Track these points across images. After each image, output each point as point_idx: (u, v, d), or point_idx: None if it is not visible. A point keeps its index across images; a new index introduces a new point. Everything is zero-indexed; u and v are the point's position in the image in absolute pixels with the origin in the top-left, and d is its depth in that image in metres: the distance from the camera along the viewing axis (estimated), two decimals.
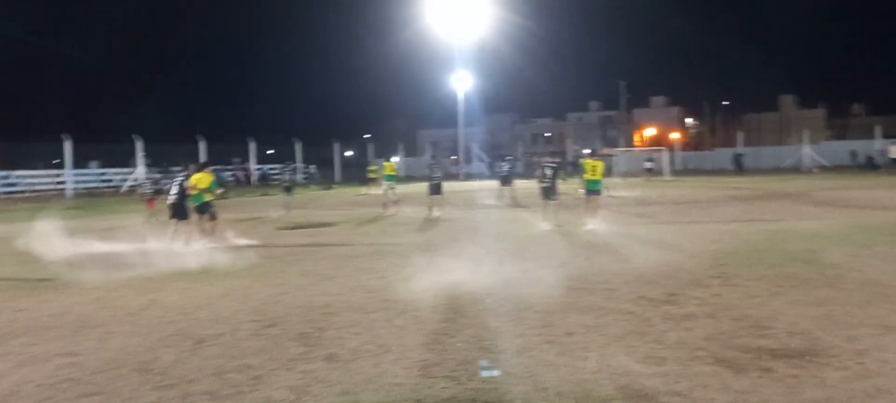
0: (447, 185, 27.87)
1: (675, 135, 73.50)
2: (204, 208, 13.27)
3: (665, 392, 4.81)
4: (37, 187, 38.59)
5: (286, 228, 17.18)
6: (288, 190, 24.37)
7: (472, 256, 11.44)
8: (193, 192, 13.24)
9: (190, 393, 5.00)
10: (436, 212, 19.66)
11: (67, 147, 38.27)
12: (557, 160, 18.03)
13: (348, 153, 59.50)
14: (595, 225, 15.15)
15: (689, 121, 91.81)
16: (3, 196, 35.96)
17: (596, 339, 6.17)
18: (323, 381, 5.21)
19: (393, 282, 9.23)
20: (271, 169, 46.22)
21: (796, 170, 48.91)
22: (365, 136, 60.27)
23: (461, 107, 55.30)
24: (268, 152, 51.60)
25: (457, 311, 7.43)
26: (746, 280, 8.72)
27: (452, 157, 62.01)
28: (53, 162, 43.14)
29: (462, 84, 55.21)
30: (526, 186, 28.17)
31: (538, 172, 17.59)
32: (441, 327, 6.76)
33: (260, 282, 9.49)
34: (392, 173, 22.76)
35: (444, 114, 60.06)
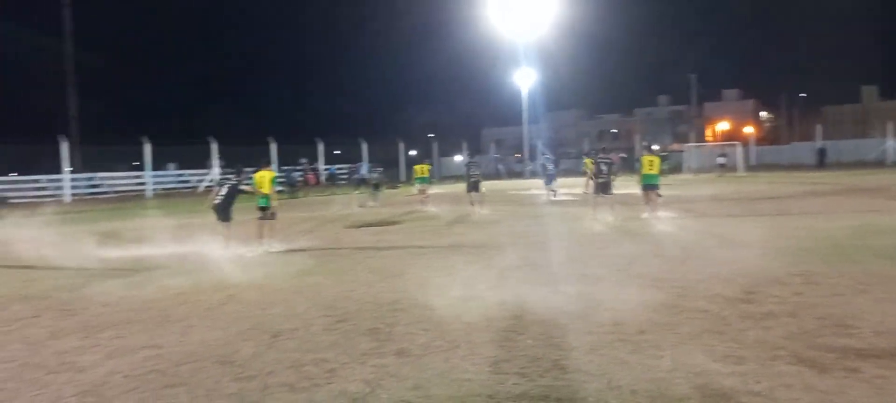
0: (510, 183, 27.78)
1: (749, 130, 71.31)
2: (266, 208, 13.46)
3: (745, 392, 4.69)
4: (118, 188, 40.25)
5: (353, 227, 17.45)
6: (376, 187, 24.86)
7: (537, 253, 11.39)
8: (258, 193, 13.45)
9: (269, 385, 5.14)
10: (477, 209, 19.89)
11: (147, 150, 39.79)
12: (610, 156, 17.85)
13: (413, 152, 59.94)
14: (653, 216, 15.17)
15: (763, 114, 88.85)
16: (87, 196, 37.66)
17: (669, 337, 6.05)
18: (395, 375, 5.28)
19: (460, 279, 9.27)
20: (339, 169, 46.94)
21: (880, 163, 46.75)
22: (429, 135, 60.59)
23: (525, 104, 55.06)
24: (335, 152, 52.46)
25: (525, 308, 7.40)
26: (829, 277, 8.41)
27: (516, 155, 61.82)
28: (133, 163, 44.88)
29: (526, 81, 54.94)
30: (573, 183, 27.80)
31: (592, 168, 17.44)
32: (509, 324, 6.75)
33: (330, 279, 9.67)
34: (423, 175, 24.16)
35: (508, 112, 59.91)
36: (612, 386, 4.91)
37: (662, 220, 15.13)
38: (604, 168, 16.82)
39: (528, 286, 8.63)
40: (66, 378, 5.50)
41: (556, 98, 72.38)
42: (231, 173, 15.08)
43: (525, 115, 55.29)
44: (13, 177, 38.36)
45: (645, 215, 16.11)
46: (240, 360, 5.84)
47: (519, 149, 56.04)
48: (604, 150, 18.67)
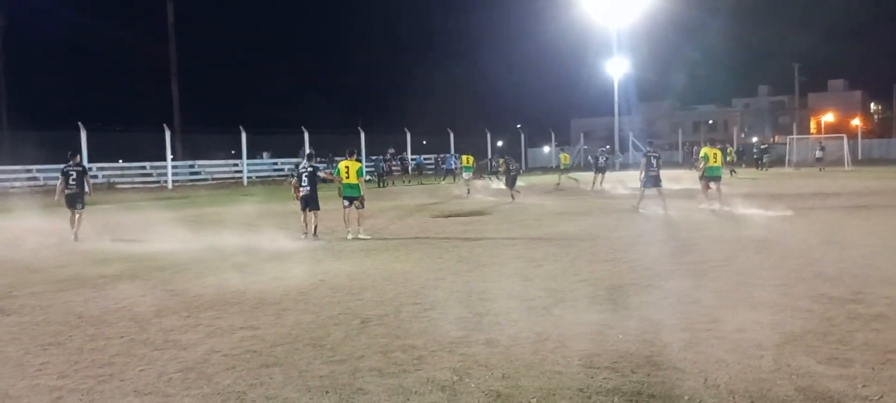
0: (599, 175, 27.32)
1: (855, 122, 67.47)
2: (354, 196, 13.64)
3: (852, 397, 4.43)
4: (217, 175, 41.99)
5: (441, 216, 17.56)
6: (513, 176, 23.36)
7: (628, 247, 11.13)
8: (345, 181, 13.64)
9: (359, 369, 5.23)
10: (516, 197, 21.88)
11: (243, 138, 41.32)
12: (658, 152, 18.08)
13: (500, 142, 59.74)
14: (711, 208, 16.21)
15: (873, 106, 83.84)
16: (188, 183, 39.45)
17: (771, 337, 5.78)
18: (483, 365, 5.27)
19: (549, 271, 9.17)
20: (426, 158, 47.32)
21: None
22: (517, 126, 60.21)
23: (616, 94, 53.90)
24: (422, 142, 52.91)
25: (616, 302, 7.25)
26: None
27: (606, 147, 60.54)
28: (231, 152, 46.66)
29: (618, 70, 53.77)
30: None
31: (643, 161, 17.65)
32: (600, 318, 6.62)
33: (419, 267, 9.76)
34: (468, 165, 26.08)
35: (599, 102, 58.79)
36: (709, 385, 4.73)
37: (719, 207, 16.00)
38: (654, 162, 17.28)
39: (619, 280, 8.46)
40: (170, 354, 5.76)
41: (649, 88, 70.34)
42: (300, 163, 15.35)
43: (616, 106, 54.18)
44: (120, 163, 40.60)
45: (702, 205, 16.83)
46: (331, 344, 5.96)
47: (609, 140, 54.94)
48: (651, 144, 19.02)
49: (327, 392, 4.76)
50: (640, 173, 17.51)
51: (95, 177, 35.39)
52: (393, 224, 15.96)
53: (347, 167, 13.78)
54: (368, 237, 13.24)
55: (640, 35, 53.76)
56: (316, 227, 13.73)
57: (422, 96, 66.75)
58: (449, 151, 48.82)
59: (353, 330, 6.42)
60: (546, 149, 61.64)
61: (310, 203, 13.77)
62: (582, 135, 63.04)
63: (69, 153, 15.40)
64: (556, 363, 5.29)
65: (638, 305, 7.10)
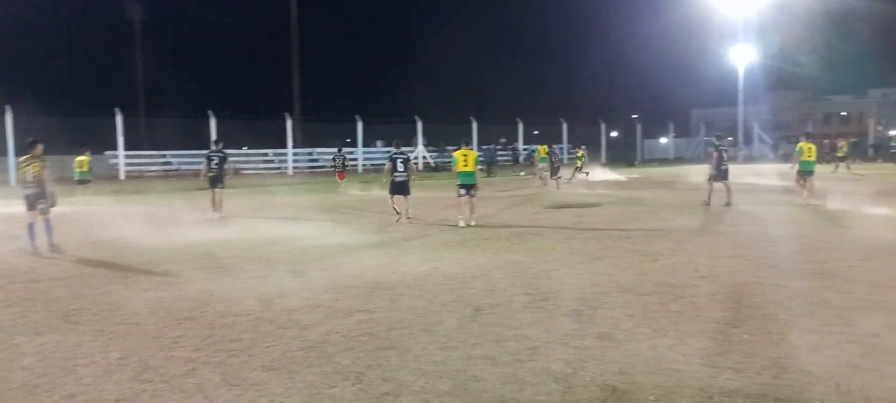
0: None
1: None
2: (470, 185, 13.73)
3: None
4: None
5: (552, 207, 17.38)
6: (556, 166, 24.09)
7: (751, 244, 10.64)
8: (462, 169, 13.72)
9: (472, 357, 5.28)
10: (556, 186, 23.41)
11: (359, 127, 42.48)
12: (725, 145, 17.61)
13: (614, 133, 58.42)
14: (806, 201, 16.39)
15: None
16: (307, 170, 40.99)
17: None
18: (598, 359, 5.19)
19: (666, 266, 8.91)
20: (533, 149, 46.93)
21: None
22: (633, 116, 58.60)
23: (741, 83, 51.45)
24: (534, 132, 52.51)
25: (739, 300, 6.96)
26: None
27: (728, 139, 57.95)
28: (346, 140, 48.06)
29: (743, 58, 51.26)
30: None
31: (715, 155, 17.21)
32: (722, 316, 6.38)
33: (531, 258, 9.72)
34: (544, 156, 25.82)
35: (721, 92, 56.26)
36: (841, 391, 4.47)
37: (812, 201, 16.25)
38: (723, 155, 17.22)
39: (742, 277, 8.11)
40: (293, 333, 6.02)
41: (776, 77, 66.54)
42: (390, 148, 15.70)
43: (740, 96, 51.72)
44: (245, 150, 42.70)
45: (809, 201, 16.74)
46: (444, 330, 6.05)
47: (732, 131, 52.53)
48: (718, 137, 18.55)
49: (441, 377, 4.84)
50: (710, 168, 17.17)
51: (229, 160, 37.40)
52: (503, 213, 15.95)
53: (465, 156, 13.91)
54: (474, 224, 13.31)
55: (769, 20, 50.90)
56: (407, 210, 14.41)
57: (535, 85, 66.21)
58: (561, 142, 48.27)
59: (465, 317, 6.48)
60: (663, 140, 59.68)
61: (402, 189, 14.41)
62: (702, 125, 60.54)
63: (214, 140, 16.82)
64: (674, 360, 5.14)
65: (763, 304, 6.78)
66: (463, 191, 13.78)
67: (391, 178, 14.61)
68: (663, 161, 50.61)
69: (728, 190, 16.77)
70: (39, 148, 11.22)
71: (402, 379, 4.80)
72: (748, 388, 4.56)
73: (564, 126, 49.63)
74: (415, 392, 4.56)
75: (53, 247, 10.89)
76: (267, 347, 5.63)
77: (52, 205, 11.25)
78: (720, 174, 16.86)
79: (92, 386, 4.77)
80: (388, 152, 44.25)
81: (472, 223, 13.40)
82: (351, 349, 5.54)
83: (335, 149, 28.73)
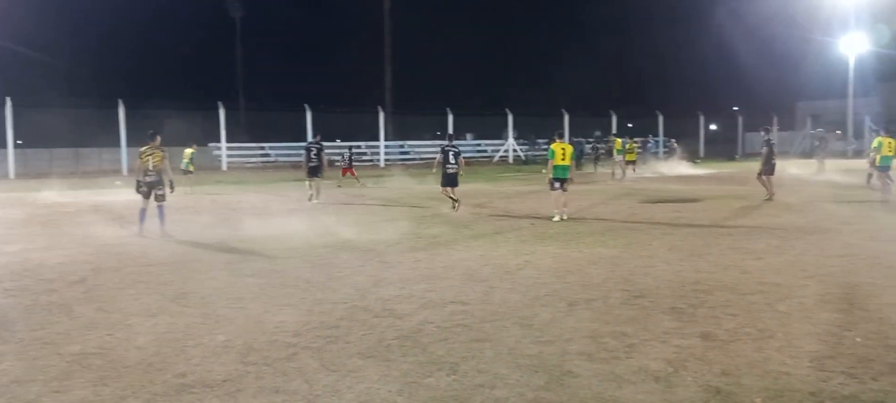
0: (829, 163, 24.96)
1: None
2: (564, 178, 13.53)
3: None
4: (423, 155, 43.78)
5: (649, 201, 16.95)
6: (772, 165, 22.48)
7: (865, 243, 10.02)
8: (559, 162, 13.54)
9: (567, 352, 5.20)
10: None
11: (450, 120, 42.71)
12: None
13: (713, 126, 56.32)
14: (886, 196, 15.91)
15: None
16: (398, 162, 41.56)
17: None
18: (700, 359, 5.01)
19: (772, 265, 8.52)
20: (633, 141, 45.82)
21: None
22: (734, 109, 56.31)
23: (851, 74, 48.58)
24: (628, 125, 51.35)
25: (851, 303, 6.58)
26: None
27: (836, 131, 54.85)
28: (436, 133, 48.38)
29: (853, 48, 48.36)
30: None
31: (766, 150, 17.00)
32: (833, 318, 6.04)
33: (627, 253, 9.50)
34: (620, 148, 26.25)
35: (829, 83, 53.21)
36: None
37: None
38: (774, 150, 17.21)
39: (854, 278, 7.66)
40: (388, 322, 6.11)
41: (891, 67, 62.39)
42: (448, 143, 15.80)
43: (850, 87, 48.85)
44: (338, 142, 43.70)
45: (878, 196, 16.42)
46: (538, 324, 5.99)
47: (840, 124, 49.69)
48: (767, 130, 18.26)
49: (537, 371, 4.79)
50: (762, 162, 17.04)
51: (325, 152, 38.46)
52: (597, 207, 15.67)
53: (563, 149, 13.70)
54: (567, 218, 13.10)
55: (881, 8, 47.75)
56: (457, 201, 14.88)
57: (629, 76, 64.61)
58: (657, 135, 47.04)
59: (559, 312, 6.40)
60: (764, 135, 56.98)
61: (453, 180, 14.90)
62: (809, 118, 57.56)
63: (312, 133, 17.65)
64: (782, 362, 4.91)
65: (878, 307, 6.38)
66: (557, 185, 13.59)
67: (443, 170, 14.99)
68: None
69: (769, 184, 16.78)
70: (158, 139, 11.98)
71: (497, 372, 4.78)
72: (863, 395, 4.30)
73: (660, 118, 48.31)
74: (510, 386, 4.54)
75: (165, 234, 11.48)
76: (363, 335, 5.73)
77: (171, 192, 11.97)
78: (769, 168, 16.85)
79: (201, 367, 4.98)
80: (478, 145, 43.87)
81: (565, 217, 13.21)
82: (445, 339, 5.57)
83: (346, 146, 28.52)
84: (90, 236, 11.74)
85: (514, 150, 44.75)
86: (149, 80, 55.33)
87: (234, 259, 9.50)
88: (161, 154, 11.86)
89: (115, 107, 34.04)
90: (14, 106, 31.97)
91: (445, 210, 14.97)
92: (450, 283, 7.69)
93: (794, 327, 5.77)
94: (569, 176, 13.64)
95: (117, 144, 33.84)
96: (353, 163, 26.09)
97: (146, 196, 11.81)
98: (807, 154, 29.23)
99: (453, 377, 4.71)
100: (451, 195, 14.98)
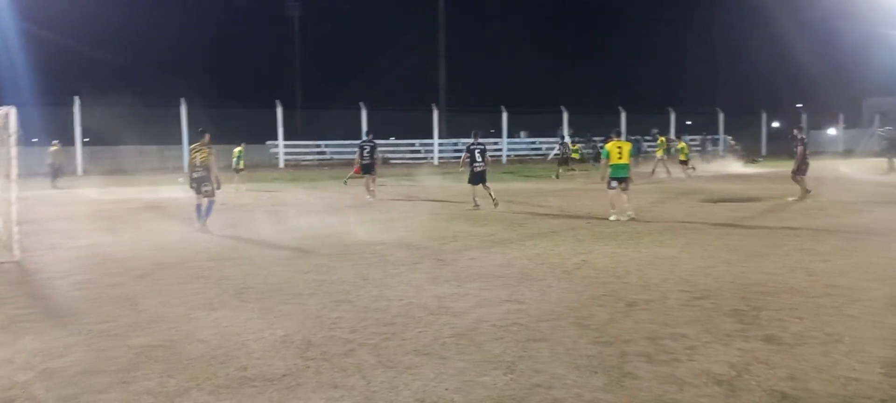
0: None
1: None
2: (623, 177, 13.28)
3: None
4: None
5: (709, 201, 16.58)
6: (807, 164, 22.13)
7: None
8: (616, 161, 13.29)
9: (626, 353, 5.12)
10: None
11: (504, 118, 42.61)
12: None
13: (775, 124, 54.74)
14: None
15: None
16: (450, 160, 41.63)
17: None
18: (764, 362, 4.87)
19: (838, 267, 8.23)
20: (691, 140, 44.89)
21: None
22: (797, 105, 54.60)
23: None
24: (686, 123, 50.32)
25: None
26: None
27: (888, 127, 52.57)
28: (490, 131, 48.27)
29: None
30: None
31: (801, 148, 16.46)
32: None
33: (686, 253, 9.31)
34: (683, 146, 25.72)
35: None
36: None
37: None
38: (807, 148, 16.82)
39: None
40: (443, 320, 6.12)
41: None
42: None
43: None
44: (392, 140, 44.00)
45: None
46: (596, 324, 5.91)
47: None
48: (800, 129, 17.83)
49: (595, 372, 4.73)
50: (796, 161, 16.61)
51: (379, 150, 38.89)
52: (655, 207, 15.40)
53: (620, 147, 13.44)
54: (628, 218, 12.85)
55: None
56: (492, 195, 15.16)
57: (688, 72, 63.23)
58: (717, 133, 46.02)
59: (618, 312, 6.31)
60: (832, 131, 55.17)
61: (481, 178, 15.16)
62: (877, 116, 55.42)
63: (365, 131, 18.04)
64: (851, 368, 4.73)
65: None
66: (615, 184, 13.32)
67: (470, 169, 15.24)
68: (833, 153, 46.84)
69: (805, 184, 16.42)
70: (207, 137, 12.39)
71: (554, 372, 4.74)
72: None
73: (721, 116, 47.21)
74: (567, 386, 4.49)
75: (204, 228, 11.83)
76: (419, 332, 5.75)
77: (217, 188, 12.23)
78: (805, 167, 16.51)
79: (261, 361, 5.07)
80: (532, 143, 43.62)
81: (625, 217, 12.89)
82: (501, 338, 5.54)
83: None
84: (153, 231, 12.09)
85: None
86: (209, 79, 56.70)
87: (291, 255, 9.65)
88: (207, 151, 12.19)
89: (178, 105, 35.00)
90: (82, 104, 33.17)
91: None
92: (505, 282, 7.65)
93: (863, 331, 5.56)
94: (628, 175, 13.37)
95: (179, 142, 34.80)
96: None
97: (197, 191, 12.15)
98: (876, 153, 28.11)
99: (510, 376, 4.68)
100: (488, 193, 15.20)
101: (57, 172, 24.70)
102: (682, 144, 26.51)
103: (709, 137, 45.09)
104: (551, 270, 8.27)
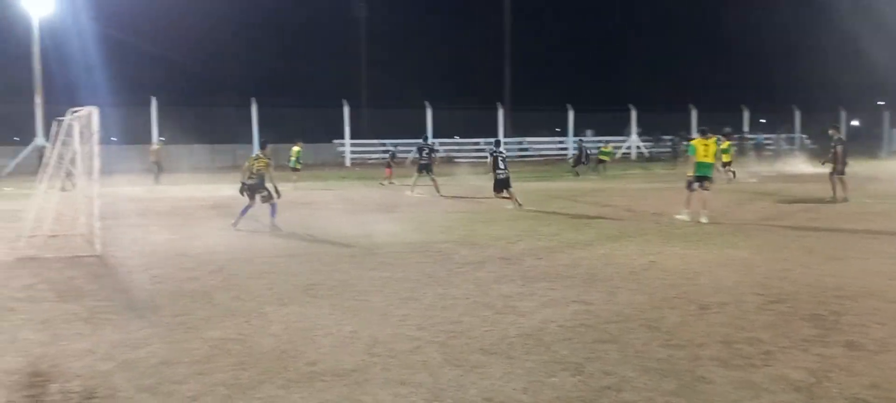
0: None
1: None
2: (706, 177, 12.80)
3: None
4: (543, 152, 43.42)
5: (785, 202, 16.02)
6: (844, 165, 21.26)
7: None
8: (701, 159, 12.79)
9: (699, 357, 4.99)
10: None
11: (570, 117, 42.17)
12: None
13: (855, 122, 52.42)
14: None
15: None
16: (517, 159, 41.43)
17: None
18: (845, 369, 4.68)
19: None
20: (766, 138, 43.47)
21: None
22: (879, 103, 52.16)
23: None
24: (760, 121, 48.75)
25: None
26: None
27: None
28: (556, 130, 47.82)
29: None
30: None
31: (839, 149, 15.98)
32: None
33: (760, 256, 9.02)
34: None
35: None
36: None
37: None
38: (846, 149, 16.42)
39: None
40: (509, 319, 6.09)
41: None
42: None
43: None
44: (456, 139, 44.05)
45: None
46: (666, 327, 5.78)
47: None
48: (837, 129, 17.17)
49: (666, 376, 4.62)
50: (834, 162, 16.19)
51: (437, 151, 39.07)
52: (727, 207, 14.96)
53: (706, 146, 12.90)
54: (706, 220, 12.40)
55: None
56: (516, 197, 15.38)
57: (762, 68, 61.24)
58: (794, 132, 44.44)
59: (689, 315, 6.16)
60: None
61: (506, 184, 15.52)
62: None
63: (424, 136, 18.35)
64: None
65: None
66: (696, 184, 12.72)
67: (495, 176, 15.61)
68: None
69: (844, 185, 16.03)
70: (268, 149, 12.90)
71: (624, 374, 4.65)
72: None
73: (797, 114, 45.55)
74: (637, 389, 4.40)
75: (274, 227, 12.06)
76: (485, 331, 5.74)
77: (275, 197, 12.51)
78: (841, 169, 16.04)
79: (330, 356, 5.15)
80: (598, 142, 42.97)
81: (704, 220, 12.30)
82: (569, 339, 5.48)
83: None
84: (224, 227, 12.41)
85: (638, 147, 43.55)
86: (279, 80, 57.94)
87: (357, 252, 9.77)
88: (266, 161, 12.56)
89: (249, 106, 35.90)
90: (158, 105, 34.39)
91: (562, 208, 14.78)
92: (572, 282, 7.57)
93: None
94: (711, 175, 12.91)
95: (250, 141, 35.69)
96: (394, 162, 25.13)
97: (249, 197, 12.48)
98: None
99: (578, 377, 4.62)
100: (511, 197, 15.45)
101: (159, 169, 25.38)
102: (726, 144, 23.67)
103: (784, 136, 43.63)
104: (618, 271, 8.14)
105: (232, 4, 55.79)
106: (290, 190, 19.70)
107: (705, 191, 12.83)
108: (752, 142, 41.01)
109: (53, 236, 10.28)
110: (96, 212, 10.00)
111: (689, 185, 12.87)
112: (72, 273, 8.44)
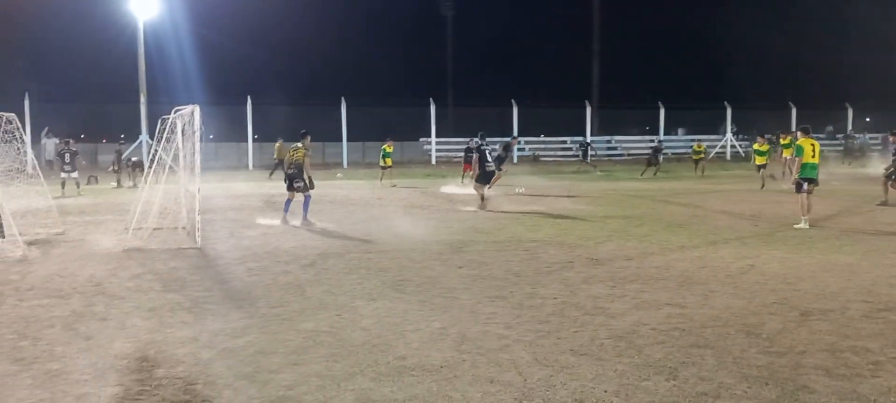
0: None
1: None
2: (813, 178, 12.15)
3: None
4: (632, 151, 42.48)
5: (893, 205, 15.09)
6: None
7: None
8: (809, 160, 12.13)
9: (802, 365, 4.76)
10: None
11: (661, 114, 41.11)
12: None
13: (869, 118, 48.74)
14: None
15: None
16: (604, 158, 40.72)
17: None
18: None
19: None
20: (871, 138, 41.08)
21: None
22: None
23: None
24: (866, 119, 46.13)
25: None
26: None
27: None
28: (646, 128, 46.72)
29: None
30: None
31: None
32: None
33: (867, 261, 8.54)
34: (759, 149, 21.79)
35: None
36: None
37: None
38: None
39: None
40: (600, 321, 5.99)
41: None
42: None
43: None
44: (542, 137, 43.67)
45: None
46: (766, 334, 5.55)
47: None
48: (894, 132, 16.22)
49: (767, 383, 4.44)
50: (891, 166, 15.09)
51: (522, 149, 38.93)
52: (830, 210, 14.23)
53: (813, 146, 12.27)
54: (805, 225, 11.77)
55: None
56: (485, 194, 15.26)
57: (868, 63, 57.89)
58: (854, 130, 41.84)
59: (791, 321, 5.89)
60: None
61: (489, 178, 15.41)
62: None
63: (479, 133, 17.98)
64: None
65: None
66: (806, 186, 12.02)
67: (482, 168, 15.35)
68: None
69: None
70: (308, 140, 13.38)
71: (722, 381, 4.50)
72: None
73: (849, 112, 42.77)
74: (736, 397, 4.25)
75: (305, 221, 12.39)
76: (574, 332, 5.66)
77: (311, 188, 12.95)
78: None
79: (419, 351, 5.21)
80: (690, 140, 41.61)
81: (804, 224, 11.69)
82: (662, 343, 5.34)
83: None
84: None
85: (733, 146, 42.00)
86: (367, 78, 58.96)
87: (444, 249, 9.82)
88: (303, 151, 12.92)
89: (338, 104, 36.72)
90: (252, 104, 35.63)
91: (652, 209, 14.41)
92: (665, 285, 7.38)
93: None
94: (817, 176, 12.25)
95: (339, 139, 36.52)
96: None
97: (289, 188, 12.88)
98: None
99: (673, 382, 4.50)
100: (483, 196, 15.23)
101: (277, 166, 26.24)
102: (765, 146, 21.37)
103: (853, 135, 40.94)
104: (714, 274, 7.87)
105: (323, 6, 57.22)
106: (378, 186, 20.04)
107: (810, 194, 12.12)
108: (856, 141, 38.85)
109: (158, 228, 10.81)
110: (197, 206, 10.45)
111: (799, 188, 12.13)
112: (175, 264, 8.85)
